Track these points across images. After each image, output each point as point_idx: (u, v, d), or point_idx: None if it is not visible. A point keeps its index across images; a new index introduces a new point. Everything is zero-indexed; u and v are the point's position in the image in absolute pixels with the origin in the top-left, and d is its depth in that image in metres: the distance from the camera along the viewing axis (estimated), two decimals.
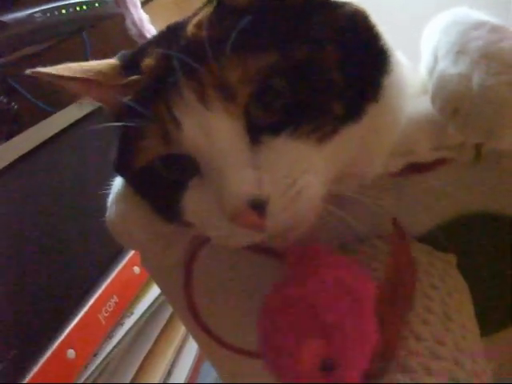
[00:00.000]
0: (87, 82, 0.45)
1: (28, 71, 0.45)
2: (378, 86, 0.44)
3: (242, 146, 0.40)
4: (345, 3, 0.45)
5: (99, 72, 0.45)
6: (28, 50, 0.96)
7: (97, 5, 1.03)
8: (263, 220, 0.39)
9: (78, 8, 0.98)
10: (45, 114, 1.05)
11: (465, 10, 0.49)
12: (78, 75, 0.45)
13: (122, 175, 0.51)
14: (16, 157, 0.92)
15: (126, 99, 0.43)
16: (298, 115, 0.41)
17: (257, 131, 0.41)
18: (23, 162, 0.93)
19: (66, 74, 0.44)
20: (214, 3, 0.43)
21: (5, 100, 0.93)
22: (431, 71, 0.46)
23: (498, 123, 0.41)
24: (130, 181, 0.50)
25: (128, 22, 1.13)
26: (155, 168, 0.44)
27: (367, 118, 0.43)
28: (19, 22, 0.85)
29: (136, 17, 1.11)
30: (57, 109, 1.09)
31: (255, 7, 0.42)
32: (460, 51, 0.43)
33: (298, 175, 0.40)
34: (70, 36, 1.11)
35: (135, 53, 0.48)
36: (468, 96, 0.41)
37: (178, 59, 0.40)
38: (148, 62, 0.44)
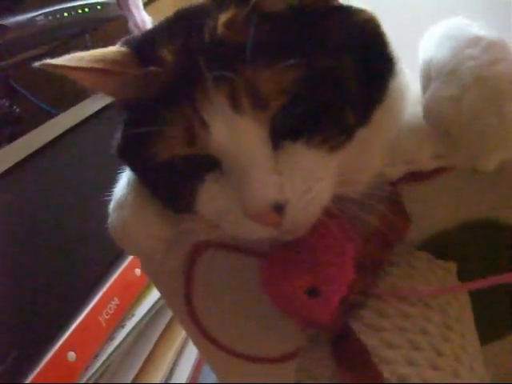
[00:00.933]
0: (103, 73, 0.43)
1: (37, 64, 0.43)
2: (385, 88, 0.45)
3: (266, 152, 0.41)
4: (361, 10, 0.45)
5: (113, 61, 0.43)
6: (30, 53, 0.96)
7: (99, 7, 1.03)
8: (281, 219, 0.41)
9: (79, 11, 0.98)
10: (47, 116, 1.06)
11: (461, 21, 0.48)
12: (92, 65, 0.42)
13: (127, 163, 0.51)
14: (19, 159, 0.92)
15: (145, 95, 0.43)
16: (315, 123, 0.42)
17: (277, 137, 0.42)
18: (26, 164, 0.93)
19: (79, 64, 0.42)
20: (250, 5, 0.41)
21: (7, 103, 0.93)
22: (425, 87, 0.46)
23: (484, 149, 0.42)
24: (136, 169, 0.50)
25: (130, 24, 1.13)
26: (173, 164, 0.44)
27: (373, 121, 0.44)
28: (21, 25, 0.85)
29: (138, 19, 1.11)
30: (59, 110, 1.09)
31: (287, 15, 0.42)
32: (452, 71, 0.43)
33: (313, 182, 0.42)
34: (73, 38, 1.11)
35: (145, 40, 0.47)
36: (457, 121, 0.42)
37: (207, 61, 0.40)
38: (167, 54, 0.43)
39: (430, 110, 0.45)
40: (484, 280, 0.47)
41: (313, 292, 0.47)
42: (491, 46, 0.43)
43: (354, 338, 0.46)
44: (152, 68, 0.43)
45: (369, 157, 0.48)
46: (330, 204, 0.44)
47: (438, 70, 0.45)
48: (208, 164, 0.43)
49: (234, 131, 0.40)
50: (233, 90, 0.40)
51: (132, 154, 0.48)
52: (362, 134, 0.44)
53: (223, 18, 0.42)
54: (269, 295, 0.51)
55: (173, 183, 0.46)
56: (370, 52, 0.44)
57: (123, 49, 0.45)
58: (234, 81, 0.39)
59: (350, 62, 0.42)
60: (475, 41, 0.44)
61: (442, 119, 0.43)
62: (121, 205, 0.51)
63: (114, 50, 0.45)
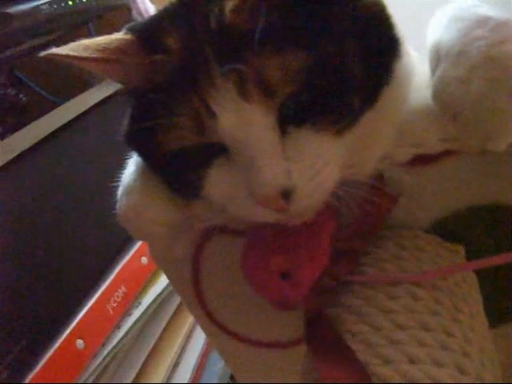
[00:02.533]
0: (108, 62, 0.43)
1: (42, 53, 0.43)
2: (391, 70, 0.45)
3: (274, 138, 0.41)
4: None
5: (118, 50, 0.43)
6: (34, 42, 0.96)
7: None
8: (288, 204, 0.42)
9: None
10: (52, 106, 1.05)
11: (469, 2, 0.48)
12: (97, 55, 0.42)
13: (134, 149, 0.51)
14: (24, 148, 0.93)
15: (153, 84, 0.43)
16: (321, 108, 0.42)
17: (285, 123, 0.42)
18: (32, 153, 0.94)
19: (84, 54, 0.42)
20: None
21: (13, 92, 0.93)
22: (434, 68, 0.46)
23: (495, 130, 0.41)
24: (144, 155, 0.50)
25: (134, 13, 1.12)
26: (181, 152, 0.44)
27: (379, 103, 0.44)
28: (25, 13, 0.85)
29: (142, 7, 1.11)
30: (64, 100, 1.09)
31: (293, 1, 0.41)
32: (461, 52, 0.43)
33: (320, 167, 0.42)
34: (77, 27, 1.11)
35: (150, 27, 0.46)
36: (467, 103, 0.41)
37: (213, 48, 0.40)
38: (173, 41, 0.43)
39: (438, 92, 0.44)
40: (485, 260, 0.47)
41: (285, 275, 0.49)
42: (500, 26, 0.42)
43: (328, 324, 0.48)
44: (157, 56, 0.43)
45: (375, 139, 0.48)
46: (336, 188, 0.44)
47: (447, 51, 0.44)
48: (216, 150, 0.44)
49: (241, 119, 0.41)
50: (241, 78, 0.40)
51: (139, 141, 0.48)
52: (368, 116, 0.44)
53: (230, 4, 0.41)
54: (244, 275, 0.53)
55: (181, 169, 0.46)
56: (374, 35, 0.43)
57: (128, 36, 0.45)
58: (242, 69, 0.39)
59: (355, 46, 0.42)
60: (484, 21, 0.43)
61: (451, 100, 0.43)
62: (129, 190, 0.52)
63: (118, 37, 0.45)
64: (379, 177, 0.50)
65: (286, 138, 0.42)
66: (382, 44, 0.44)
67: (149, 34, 0.45)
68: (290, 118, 0.42)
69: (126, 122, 0.49)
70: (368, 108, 0.43)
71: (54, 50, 0.43)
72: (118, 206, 0.52)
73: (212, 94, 0.41)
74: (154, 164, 0.49)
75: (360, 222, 0.50)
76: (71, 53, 0.42)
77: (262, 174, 0.41)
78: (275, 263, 0.49)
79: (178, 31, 0.43)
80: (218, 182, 0.45)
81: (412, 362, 0.40)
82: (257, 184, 0.41)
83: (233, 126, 0.41)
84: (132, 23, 0.48)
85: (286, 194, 0.41)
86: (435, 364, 0.39)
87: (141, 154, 0.51)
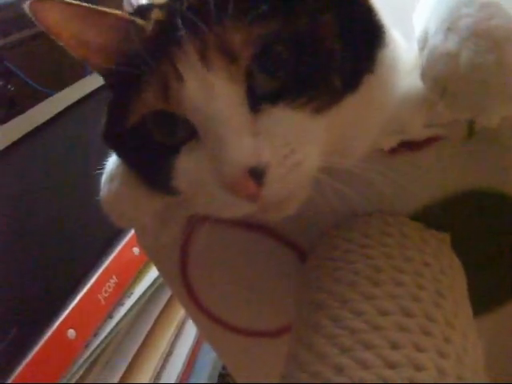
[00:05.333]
0: (91, 11, 0.42)
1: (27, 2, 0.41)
2: (374, 57, 0.44)
3: (242, 112, 0.40)
4: None
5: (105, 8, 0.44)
6: (23, 33, 0.95)
7: None
8: (260, 189, 0.39)
9: None
10: (42, 97, 1.05)
11: None
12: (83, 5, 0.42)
13: (110, 143, 0.50)
14: (15, 139, 0.92)
15: (128, 46, 0.42)
16: (297, 84, 0.41)
17: (256, 98, 0.40)
18: (22, 144, 0.94)
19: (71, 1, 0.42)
20: None
21: (1, 83, 0.92)
22: (422, 47, 0.46)
23: (486, 102, 0.41)
24: (118, 147, 0.50)
25: (125, 3, 1.11)
26: (147, 128, 0.43)
27: (362, 90, 0.44)
28: (11, 4, 0.84)
29: None
30: (55, 91, 1.09)
31: None
32: (450, 28, 0.43)
33: (296, 145, 0.40)
34: None
35: (141, 6, 0.47)
36: (456, 75, 0.41)
37: (183, 17, 0.40)
38: (156, 13, 0.43)
39: (427, 68, 0.44)
40: None
41: None
42: (487, 5, 0.43)
43: None
44: (138, 20, 0.43)
45: (361, 128, 0.47)
46: (320, 175, 0.42)
47: (435, 30, 0.44)
48: (183, 132, 0.42)
49: (206, 88, 0.39)
50: (203, 44, 0.39)
51: (113, 129, 0.47)
52: (352, 102, 0.43)
53: None
54: None
55: (151, 160, 0.45)
56: (353, 15, 0.43)
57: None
58: (205, 34, 0.39)
59: (332, 20, 0.41)
60: (471, 1, 0.44)
61: (440, 75, 0.42)
62: (111, 177, 0.51)
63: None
64: None
65: (258, 116, 0.40)
66: (363, 27, 0.44)
67: (138, 10, 0.45)
68: (264, 96, 0.40)
69: (103, 121, 0.48)
70: (349, 91, 0.43)
71: None
72: (100, 193, 0.52)
73: (181, 60, 0.40)
74: (128, 158, 0.49)
75: None
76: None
77: (227, 151, 0.39)
78: None
79: (162, 7, 0.44)
80: (185, 169, 0.43)
81: (393, 347, 0.40)
82: (222, 163, 0.39)
83: (197, 95, 0.40)
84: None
85: (257, 176, 0.38)
86: (416, 349, 0.39)
87: (117, 151, 0.50)
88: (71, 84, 1.11)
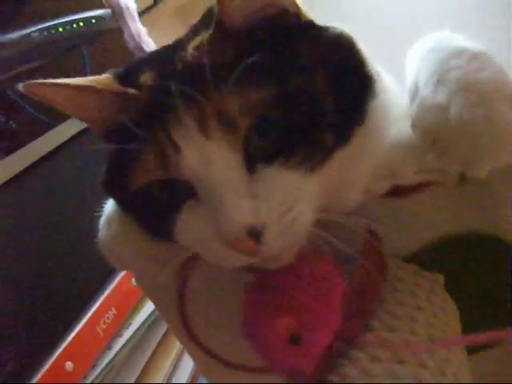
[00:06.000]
0: (81, 90, 0.44)
1: (21, 85, 0.43)
2: (364, 110, 0.44)
3: (239, 176, 0.41)
4: (328, 27, 0.46)
5: (94, 80, 0.45)
6: (27, 66, 0.97)
7: (93, 21, 1.03)
8: (259, 246, 0.40)
9: (74, 25, 0.98)
10: (45, 128, 1.06)
11: (447, 34, 0.49)
12: (71, 83, 0.43)
13: (112, 196, 0.51)
14: (18, 171, 0.93)
15: (123, 118, 0.43)
16: (291, 145, 0.41)
17: (252, 160, 0.41)
18: (24, 176, 0.94)
19: (60, 82, 0.43)
20: (213, 24, 0.43)
21: (3, 119, 0.94)
22: (413, 98, 0.46)
23: (475, 155, 0.41)
24: (120, 202, 0.50)
25: (126, 35, 1.14)
26: (149, 190, 0.44)
27: (354, 142, 0.44)
28: (15, 42, 0.86)
29: (134, 30, 1.12)
30: (58, 122, 1.10)
31: (251, 30, 0.42)
32: (439, 80, 0.43)
33: (291, 203, 0.41)
34: (69, 51, 1.11)
35: (129, 66, 0.48)
36: (446, 128, 0.42)
37: (177, 85, 0.41)
38: (146, 78, 0.44)
39: (418, 119, 0.45)
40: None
41: (295, 339, 0.44)
42: (476, 57, 0.44)
43: None
44: (130, 89, 0.44)
45: (354, 177, 0.48)
46: (314, 229, 0.43)
47: (426, 81, 0.45)
48: (184, 192, 0.43)
49: (204, 155, 0.40)
50: (201, 113, 0.40)
51: (114, 185, 0.48)
52: (344, 154, 0.44)
53: (193, 43, 0.43)
54: (246, 335, 0.48)
55: (153, 216, 0.46)
56: (344, 69, 0.44)
57: (108, 75, 0.46)
58: (203, 104, 0.40)
59: (324, 79, 0.42)
60: (460, 52, 0.45)
61: (430, 127, 0.43)
62: (110, 220, 0.52)
63: (98, 76, 0.46)
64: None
65: (254, 176, 0.41)
66: (354, 80, 0.44)
67: (127, 72, 0.46)
68: (259, 156, 0.41)
69: (104, 170, 0.49)
70: (341, 146, 0.43)
71: (32, 82, 0.43)
72: (99, 235, 0.53)
73: (176, 129, 0.41)
74: (129, 210, 0.49)
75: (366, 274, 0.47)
76: (48, 81, 0.43)
77: (226, 212, 0.40)
78: (284, 324, 0.44)
79: (153, 71, 0.44)
80: (187, 226, 0.44)
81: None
82: (222, 224, 0.40)
83: (195, 163, 0.41)
84: (114, 69, 0.48)
85: (256, 235, 0.39)
86: None
87: (117, 200, 0.51)
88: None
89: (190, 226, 0.44)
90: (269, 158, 0.41)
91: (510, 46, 1.56)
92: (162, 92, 0.41)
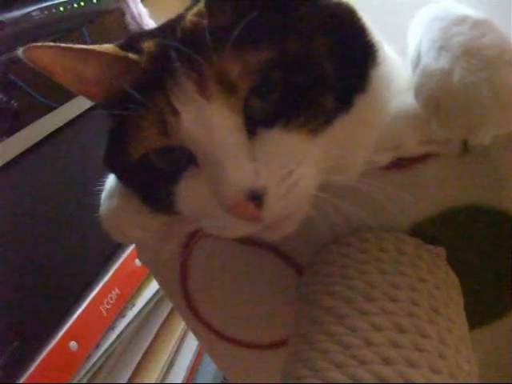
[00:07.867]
0: (83, 53, 0.44)
1: (21, 49, 0.43)
2: (366, 77, 0.45)
3: (240, 139, 0.40)
4: None
5: (98, 47, 0.44)
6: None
7: (94, 1, 1.03)
8: (260, 211, 0.40)
9: (75, 5, 0.98)
10: (46, 109, 1.06)
11: (448, 3, 0.49)
12: (73, 46, 0.44)
13: (112, 169, 0.51)
14: (19, 152, 0.93)
15: (123, 84, 0.42)
16: (292, 107, 0.41)
17: (253, 123, 0.41)
18: (26, 157, 0.94)
19: (62, 45, 0.43)
20: None
21: (4, 98, 0.93)
22: (415, 67, 0.46)
23: (478, 120, 0.41)
24: (120, 174, 0.50)
25: (127, 17, 1.13)
26: (149, 160, 0.44)
27: (356, 109, 0.44)
28: (17, 20, 0.86)
29: (135, 11, 1.12)
30: (59, 104, 1.10)
31: None
32: (442, 47, 0.43)
33: (293, 166, 0.41)
34: (70, 32, 1.11)
35: (133, 37, 0.48)
36: (449, 93, 0.42)
37: (176, 49, 0.41)
38: (148, 45, 0.44)
39: (421, 86, 0.45)
40: None
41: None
42: (478, 23, 0.44)
43: None
44: (131, 54, 0.44)
45: (357, 145, 0.48)
46: (321, 195, 0.43)
47: (428, 48, 0.45)
48: (184, 160, 0.43)
49: (203, 118, 0.40)
50: (200, 76, 0.40)
51: (115, 158, 0.48)
52: (346, 121, 0.44)
53: (192, 11, 0.43)
54: None
55: (153, 186, 0.46)
56: (345, 35, 0.44)
57: (111, 45, 0.46)
58: (202, 66, 0.40)
59: (325, 44, 0.42)
60: (462, 19, 0.45)
61: (433, 92, 0.43)
62: (111, 194, 0.52)
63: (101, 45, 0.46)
64: None
65: (255, 140, 0.41)
66: (356, 47, 0.44)
67: (129, 41, 0.46)
68: (261, 119, 0.41)
69: (104, 146, 0.49)
70: (342, 111, 0.43)
71: (33, 44, 0.43)
72: (100, 209, 0.53)
73: (175, 93, 0.40)
74: (130, 183, 0.50)
75: None
76: (49, 44, 0.43)
77: (226, 176, 0.39)
78: None
79: (154, 40, 0.44)
80: (187, 195, 0.44)
81: (386, 363, 0.40)
82: (222, 188, 0.39)
83: (194, 126, 0.40)
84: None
85: (257, 198, 0.39)
86: (409, 365, 0.40)
87: (119, 176, 0.51)
88: (76, 97, 1.12)
89: (190, 194, 0.43)
90: (269, 120, 0.41)
91: None
92: (162, 57, 0.42)
